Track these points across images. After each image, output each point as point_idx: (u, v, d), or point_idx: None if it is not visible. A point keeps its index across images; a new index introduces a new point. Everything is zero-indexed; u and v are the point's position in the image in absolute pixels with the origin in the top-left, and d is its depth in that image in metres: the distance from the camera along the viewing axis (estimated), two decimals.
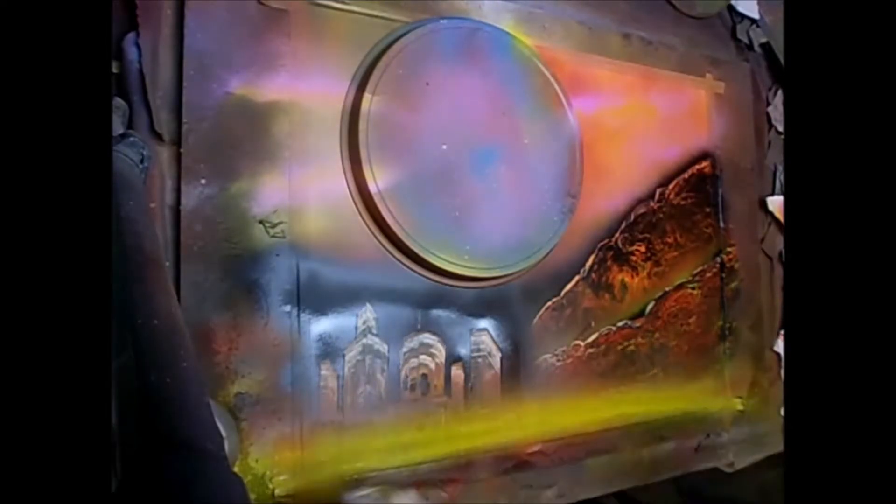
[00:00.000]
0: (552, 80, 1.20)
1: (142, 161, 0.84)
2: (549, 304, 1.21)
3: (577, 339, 1.24)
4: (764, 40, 1.54)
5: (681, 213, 1.40)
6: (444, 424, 1.08)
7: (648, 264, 1.34)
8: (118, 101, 0.90)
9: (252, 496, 0.89)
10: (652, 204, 1.36)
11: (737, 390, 1.45)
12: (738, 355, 1.46)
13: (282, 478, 0.93)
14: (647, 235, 1.35)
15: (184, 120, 0.92)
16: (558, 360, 1.22)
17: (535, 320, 1.20)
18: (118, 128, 0.88)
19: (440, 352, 1.09)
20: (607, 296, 1.29)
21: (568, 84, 1.22)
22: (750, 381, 1.48)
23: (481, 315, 1.14)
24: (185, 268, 0.90)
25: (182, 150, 0.92)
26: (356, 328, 1.02)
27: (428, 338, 1.08)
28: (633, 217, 1.33)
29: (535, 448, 1.17)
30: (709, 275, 1.43)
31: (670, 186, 1.39)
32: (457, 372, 1.11)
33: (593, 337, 1.26)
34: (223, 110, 0.94)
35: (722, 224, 1.46)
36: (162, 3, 0.93)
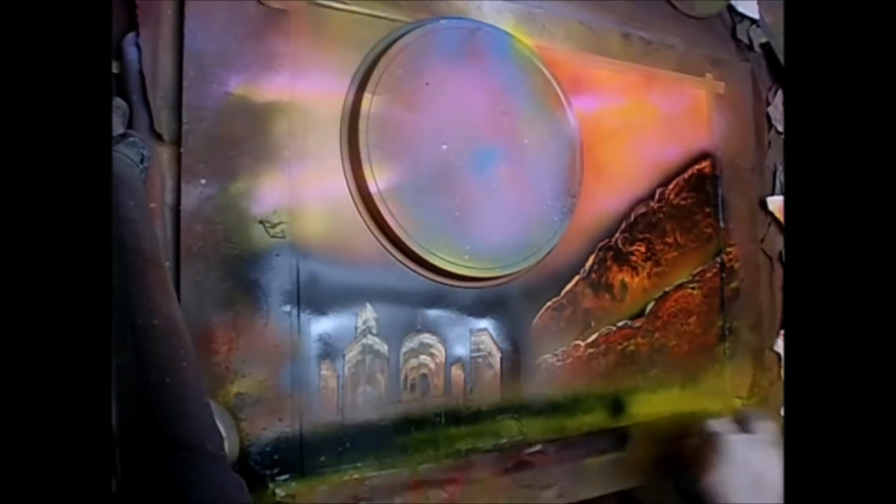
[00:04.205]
0: (552, 80, 1.20)
1: (142, 161, 0.84)
2: (549, 304, 1.21)
3: (577, 339, 1.24)
4: (764, 40, 1.54)
5: (681, 213, 1.40)
6: (444, 424, 1.08)
7: (648, 264, 1.34)
8: (118, 101, 0.90)
9: (252, 496, 0.89)
10: (652, 204, 1.36)
11: (737, 390, 1.45)
12: (738, 355, 1.46)
13: (282, 478, 0.93)
14: (647, 235, 1.35)
15: (184, 120, 0.92)
16: (558, 361, 1.22)
17: (535, 320, 1.20)
18: (118, 128, 0.88)
19: (440, 352, 1.09)
20: (607, 296, 1.29)
21: (568, 84, 1.22)
22: (750, 381, 1.48)
23: (481, 315, 1.14)
24: (185, 268, 0.90)
25: (182, 150, 0.92)
26: (356, 328, 1.02)
27: (428, 338, 1.08)
28: (633, 217, 1.33)
29: (535, 448, 1.17)
30: (709, 275, 1.43)
31: (670, 186, 1.39)
32: (457, 372, 1.11)
33: (593, 337, 1.26)
34: (223, 110, 0.94)
35: (722, 224, 1.46)
36: (162, 3, 0.93)
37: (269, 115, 0.97)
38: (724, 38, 1.53)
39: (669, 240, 1.38)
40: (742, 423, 1.10)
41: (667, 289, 1.37)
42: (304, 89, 1.00)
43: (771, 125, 1.59)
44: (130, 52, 0.91)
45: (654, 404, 1.33)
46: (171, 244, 0.91)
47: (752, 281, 1.51)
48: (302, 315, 0.98)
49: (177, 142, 0.92)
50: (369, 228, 1.04)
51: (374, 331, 1.03)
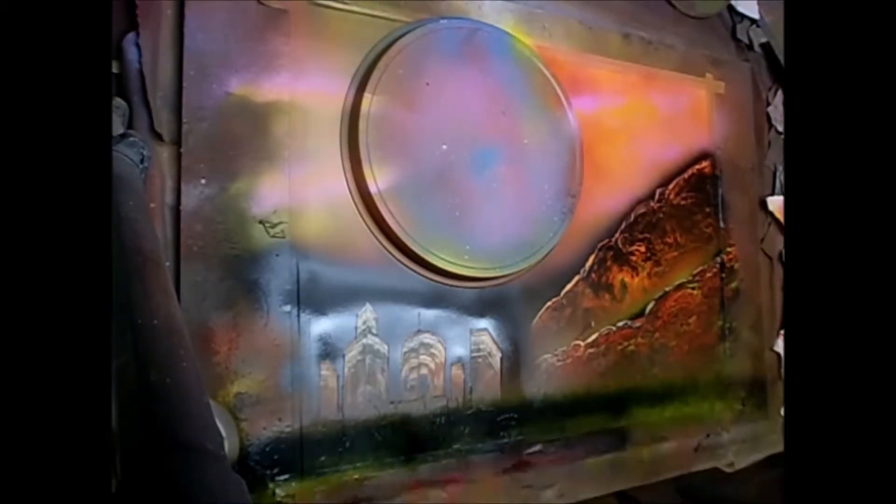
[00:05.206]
0: (552, 80, 1.20)
1: (142, 161, 0.84)
2: (549, 304, 1.21)
3: (577, 339, 1.24)
4: (764, 40, 1.54)
5: (681, 213, 1.40)
6: (444, 424, 1.08)
7: (648, 264, 1.34)
8: (118, 101, 0.90)
9: (252, 496, 0.89)
10: (652, 204, 1.36)
11: (737, 390, 1.45)
12: (738, 355, 1.46)
13: (282, 478, 0.93)
14: (647, 235, 1.35)
15: (184, 120, 0.92)
16: (558, 360, 1.21)
17: (535, 320, 1.20)
18: (118, 128, 0.88)
19: (440, 352, 1.09)
20: (607, 296, 1.29)
21: (568, 84, 1.22)
22: (750, 381, 1.48)
23: (481, 315, 1.14)
24: (185, 268, 0.90)
25: (182, 150, 0.92)
26: (356, 328, 1.02)
27: (428, 338, 1.08)
28: (633, 217, 1.33)
29: (535, 448, 1.17)
30: (709, 275, 1.43)
31: (670, 186, 1.39)
32: (457, 372, 1.11)
33: (593, 337, 1.26)
34: (223, 110, 0.94)
35: (722, 224, 1.46)
36: (162, 3, 0.93)
37: (269, 115, 0.97)
38: (724, 38, 1.53)
39: (669, 240, 1.38)
40: None
41: (667, 289, 1.37)
42: (304, 89, 1.00)
43: (771, 125, 1.59)
44: (130, 52, 0.91)
45: (654, 405, 1.33)
46: (171, 244, 0.91)
47: (752, 281, 1.51)
48: (302, 315, 0.98)
49: (177, 142, 0.92)
50: (369, 228, 1.04)
51: (374, 331, 1.03)
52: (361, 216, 1.03)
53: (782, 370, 1.52)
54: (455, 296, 1.11)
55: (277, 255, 0.96)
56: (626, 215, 1.32)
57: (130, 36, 0.91)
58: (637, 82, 1.36)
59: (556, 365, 1.21)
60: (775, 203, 1.55)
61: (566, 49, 1.27)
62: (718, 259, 1.45)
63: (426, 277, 1.08)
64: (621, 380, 1.29)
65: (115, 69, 0.92)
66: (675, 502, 1.35)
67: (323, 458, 0.97)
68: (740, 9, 1.50)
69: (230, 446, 0.87)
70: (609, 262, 1.29)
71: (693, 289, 1.41)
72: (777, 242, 1.57)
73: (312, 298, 0.98)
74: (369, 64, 1.04)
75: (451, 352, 1.10)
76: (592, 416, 1.24)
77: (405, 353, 1.06)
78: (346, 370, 1.01)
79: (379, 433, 1.02)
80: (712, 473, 1.39)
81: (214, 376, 0.90)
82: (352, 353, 1.01)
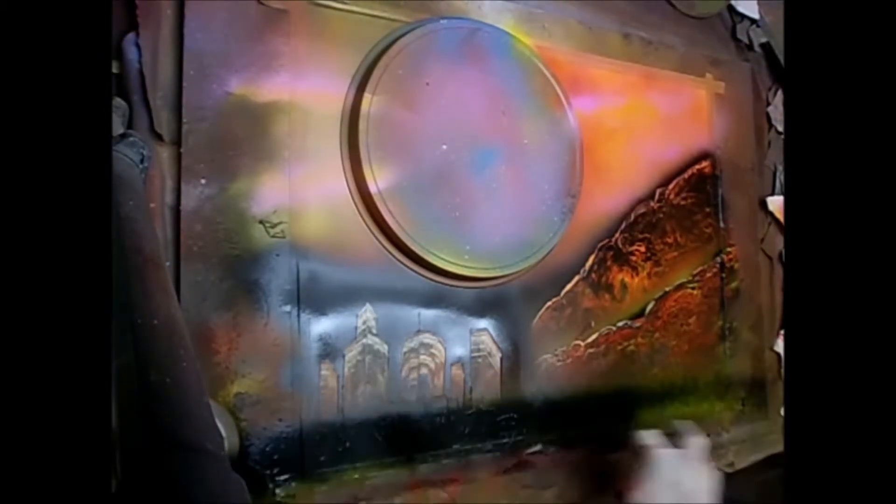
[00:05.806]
0: (552, 80, 1.20)
1: (142, 161, 0.84)
2: (549, 304, 1.21)
3: (577, 339, 1.24)
4: (764, 40, 1.54)
5: (681, 213, 1.40)
6: (444, 424, 1.08)
7: (648, 264, 1.34)
8: (118, 101, 0.90)
9: (252, 496, 0.89)
10: (652, 204, 1.36)
11: (737, 390, 1.45)
12: (738, 355, 1.46)
13: (282, 478, 0.93)
14: (647, 235, 1.35)
15: (184, 120, 0.92)
16: (558, 361, 1.22)
17: (535, 320, 1.20)
18: (118, 128, 0.89)
19: (440, 352, 1.09)
20: (607, 296, 1.29)
21: (568, 84, 1.22)
22: (750, 381, 1.48)
23: (481, 315, 1.14)
24: (185, 268, 0.90)
25: (182, 150, 0.92)
26: (356, 328, 1.02)
27: (428, 338, 1.08)
28: (633, 217, 1.33)
29: (535, 448, 1.17)
30: (709, 275, 1.43)
31: (670, 186, 1.39)
32: (457, 372, 1.11)
33: (593, 337, 1.26)
34: (223, 110, 0.94)
35: (722, 224, 1.46)
36: (162, 3, 0.93)
37: (269, 115, 0.97)
38: (724, 38, 1.53)
39: (669, 240, 1.38)
40: (673, 437, 1.07)
41: (667, 289, 1.37)
42: (304, 89, 1.00)
43: (771, 125, 1.59)
44: (130, 52, 0.91)
45: (654, 405, 1.33)
46: (171, 244, 0.91)
47: (752, 281, 1.51)
48: (302, 315, 0.98)
49: (177, 142, 0.92)
50: (369, 228, 1.04)
51: (374, 331, 1.03)
52: (361, 216, 1.03)
53: (782, 370, 1.52)
54: (455, 296, 1.11)
55: (277, 255, 0.96)
56: (626, 215, 1.32)
57: (130, 36, 0.91)
58: (637, 82, 1.36)
59: (556, 365, 1.21)
60: (775, 203, 1.55)
61: (566, 49, 1.27)
62: (718, 259, 1.45)
63: (426, 277, 1.08)
64: (621, 380, 1.29)
65: (115, 69, 0.92)
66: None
67: (323, 458, 0.97)
68: (740, 9, 1.50)
69: (230, 446, 0.87)
70: (609, 262, 1.29)
71: (693, 289, 1.41)
72: (777, 242, 1.56)
73: (312, 298, 0.98)
74: (369, 64, 1.04)
75: (451, 352, 1.10)
76: (592, 416, 1.24)
77: (405, 353, 1.06)
78: (346, 370, 1.01)
79: (379, 433, 1.02)
80: None
81: (214, 376, 0.90)
82: (352, 353, 1.01)
